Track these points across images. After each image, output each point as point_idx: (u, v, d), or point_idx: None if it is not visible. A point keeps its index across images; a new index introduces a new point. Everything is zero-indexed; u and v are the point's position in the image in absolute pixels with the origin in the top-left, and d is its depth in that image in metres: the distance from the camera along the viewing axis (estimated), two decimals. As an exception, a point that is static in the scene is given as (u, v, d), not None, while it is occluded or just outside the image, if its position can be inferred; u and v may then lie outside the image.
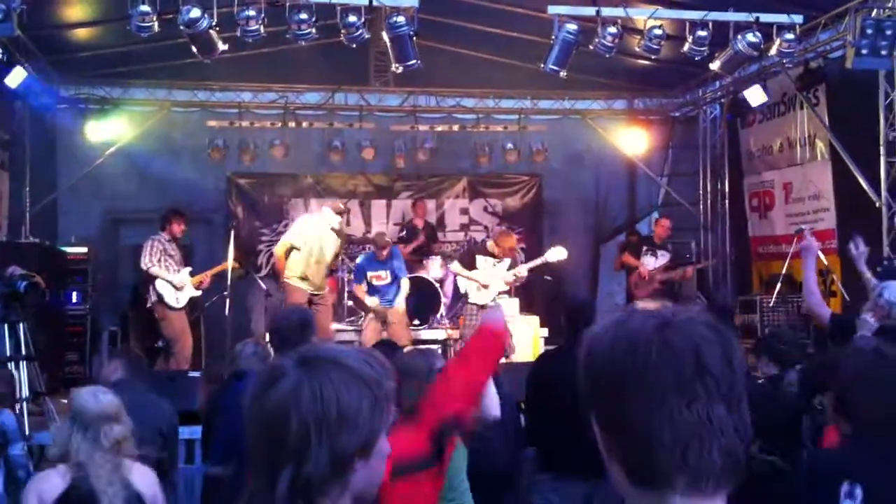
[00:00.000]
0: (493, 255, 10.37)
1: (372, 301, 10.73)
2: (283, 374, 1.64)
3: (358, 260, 11.46)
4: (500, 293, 10.34)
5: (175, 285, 10.06)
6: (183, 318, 10.19)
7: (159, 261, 10.06)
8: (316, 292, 10.15)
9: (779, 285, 11.28)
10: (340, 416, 1.60)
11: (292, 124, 13.59)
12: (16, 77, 10.22)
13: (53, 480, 3.83)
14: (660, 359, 1.32)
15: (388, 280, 10.77)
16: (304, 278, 10.04)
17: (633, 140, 14.41)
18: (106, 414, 3.92)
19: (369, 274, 10.80)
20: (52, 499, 3.76)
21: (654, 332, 1.34)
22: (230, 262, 10.35)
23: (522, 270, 10.44)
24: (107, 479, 3.81)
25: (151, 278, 10.04)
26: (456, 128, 14.31)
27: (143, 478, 3.96)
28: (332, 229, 10.13)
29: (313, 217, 10.27)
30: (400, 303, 10.81)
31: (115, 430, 3.90)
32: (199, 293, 10.49)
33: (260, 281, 12.22)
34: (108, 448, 3.86)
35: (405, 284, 10.91)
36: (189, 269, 10.35)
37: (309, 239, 10.05)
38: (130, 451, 3.98)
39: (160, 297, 10.03)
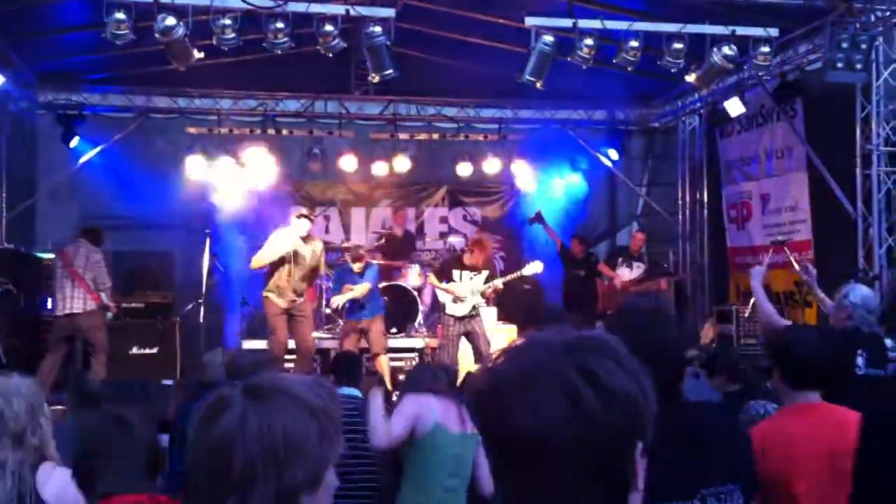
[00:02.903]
0: (469, 269, 10.37)
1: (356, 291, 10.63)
2: (229, 404, 1.57)
3: (336, 272, 11.31)
4: (475, 306, 10.34)
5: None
6: None
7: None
8: (293, 300, 10.00)
9: (753, 300, 11.32)
10: (288, 449, 1.54)
11: (272, 131, 13.58)
12: (-8, 82, 10.20)
13: None
14: (503, 419, 1.30)
15: (367, 295, 10.71)
16: (278, 291, 9.93)
17: (612, 150, 14.43)
18: None
19: (346, 287, 10.71)
20: None
21: (510, 389, 1.30)
22: (206, 269, 10.33)
23: (498, 283, 10.46)
24: None
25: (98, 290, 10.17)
26: (436, 136, 14.35)
27: None
28: (303, 238, 9.99)
29: (286, 230, 10.14)
30: (380, 312, 10.80)
31: None
32: None
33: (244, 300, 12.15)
34: None
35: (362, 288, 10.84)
36: None
37: (282, 251, 9.93)
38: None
39: (105, 308, 10.18)
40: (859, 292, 5.41)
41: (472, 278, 10.31)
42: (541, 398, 1.27)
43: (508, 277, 10.85)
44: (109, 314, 10.17)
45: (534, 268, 10.69)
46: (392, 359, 10.99)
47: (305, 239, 9.95)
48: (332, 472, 1.63)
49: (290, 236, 9.86)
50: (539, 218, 13.24)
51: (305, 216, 10.05)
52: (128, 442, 3.02)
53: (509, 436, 1.28)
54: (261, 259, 9.90)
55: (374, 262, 11.32)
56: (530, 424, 1.26)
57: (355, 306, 10.65)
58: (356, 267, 10.66)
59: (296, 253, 9.83)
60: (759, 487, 2.75)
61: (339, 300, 10.62)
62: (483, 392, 1.34)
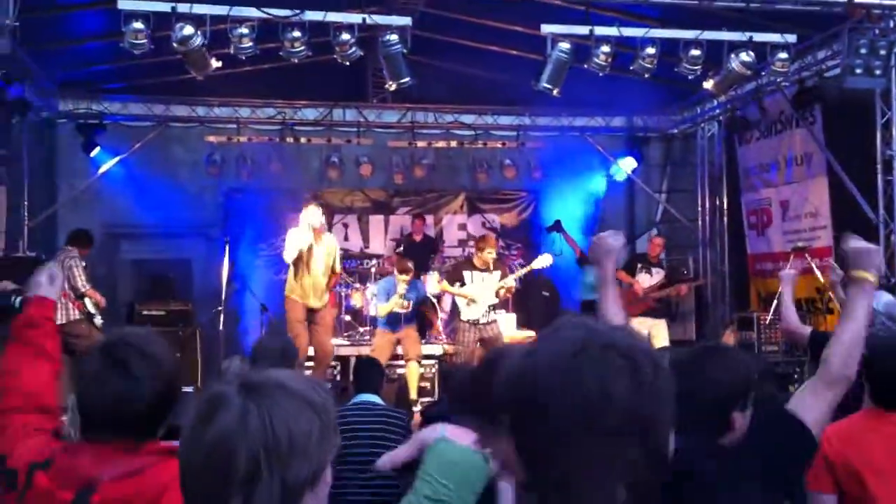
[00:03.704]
0: (479, 269, 10.36)
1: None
2: (227, 401, 1.53)
3: (382, 283, 11.25)
4: (490, 306, 10.31)
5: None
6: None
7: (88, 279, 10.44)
8: (313, 305, 9.98)
9: (775, 303, 11.23)
10: (291, 445, 1.52)
11: (290, 140, 13.64)
12: (14, 92, 10.27)
13: None
14: (565, 392, 1.29)
15: (409, 310, 10.72)
16: (301, 290, 9.93)
17: (631, 157, 14.40)
18: None
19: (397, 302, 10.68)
20: None
21: (564, 362, 1.30)
22: (225, 277, 10.37)
23: (510, 281, 10.43)
24: None
25: (81, 296, 10.37)
26: (454, 144, 14.34)
27: None
28: (316, 233, 9.93)
29: (298, 228, 10.11)
30: (413, 322, 10.85)
31: None
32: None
33: (255, 297, 12.15)
34: None
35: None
36: None
37: (300, 244, 9.89)
38: None
39: (90, 316, 10.31)
40: (882, 299, 5.38)
41: (483, 279, 10.30)
42: (603, 369, 1.28)
43: (519, 272, 10.87)
44: (98, 320, 10.27)
45: (543, 261, 10.69)
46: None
47: (318, 234, 9.92)
48: (329, 467, 1.62)
49: (304, 234, 9.82)
50: (558, 227, 13.22)
51: (312, 204, 10.05)
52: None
53: (567, 410, 1.28)
54: (288, 252, 9.88)
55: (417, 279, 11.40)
56: (595, 396, 1.27)
57: (393, 323, 10.70)
58: (402, 279, 10.56)
59: (310, 248, 9.80)
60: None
61: (384, 310, 10.61)
62: (530, 371, 1.33)
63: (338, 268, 10.28)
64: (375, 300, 11.18)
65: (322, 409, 1.59)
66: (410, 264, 11.01)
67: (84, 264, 10.53)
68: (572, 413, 1.28)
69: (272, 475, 1.50)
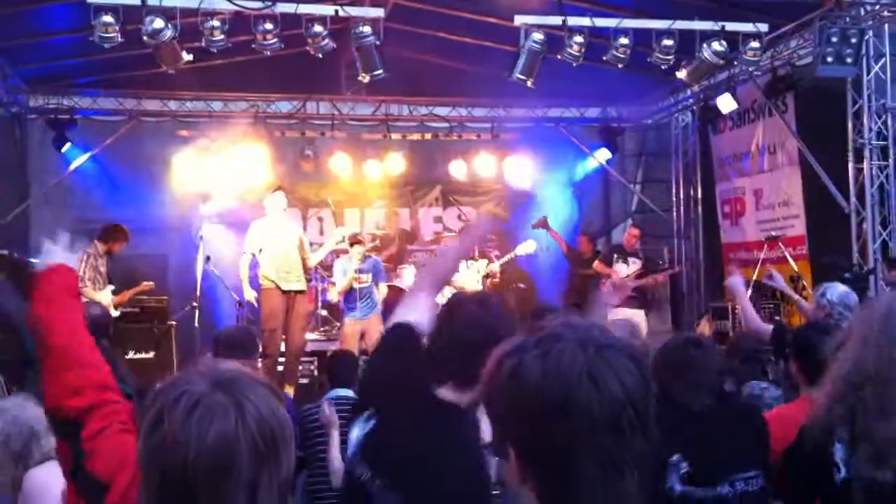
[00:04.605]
0: (466, 258, 10.31)
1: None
2: (214, 399, 1.49)
3: (338, 263, 11.21)
4: None
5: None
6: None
7: (90, 278, 10.03)
8: (287, 287, 9.83)
9: (749, 292, 11.29)
10: (284, 437, 1.52)
11: (264, 133, 13.54)
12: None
13: None
14: (591, 391, 1.34)
15: (368, 283, 10.59)
16: (276, 279, 9.85)
17: (605, 148, 14.41)
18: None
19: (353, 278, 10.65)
20: None
21: (582, 365, 1.35)
22: (199, 272, 10.29)
23: (495, 267, 10.38)
24: None
25: None
26: (429, 136, 14.32)
27: None
28: (285, 210, 9.87)
29: (262, 220, 10.04)
30: (377, 310, 10.71)
31: None
32: (118, 314, 10.41)
33: (233, 291, 12.07)
34: None
35: (383, 289, 10.83)
36: (111, 287, 10.32)
37: (265, 240, 9.86)
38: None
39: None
40: (836, 290, 5.51)
41: (468, 266, 10.26)
42: (617, 367, 1.36)
43: (504, 259, 10.81)
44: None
45: (526, 247, 10.65)
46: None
47: (284, 221, 9.82)
48: None
49: (270, 223, 9.75)
50: (544, 224, 13.12)
51: (279, 188, 9.98)
52: None
53: (596, 408, 1.33)
54: (243, 257, 9.84)
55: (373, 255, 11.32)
56: (618, 393, 1.34)
57: (352, 303, 10.52)
58: (356, 253, 10.52)
59: (278, 237, 9.71)
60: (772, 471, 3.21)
61: (343, 287, 10.54)
62: (552, 373, 1.36)
63: (308, 259, 10.17)
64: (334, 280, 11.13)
65: (282, 400, 1.59)
66: (360, 237, 10.97)
67: (92, 261, 10.21)
68: (600, 411, 1.33)
69: (271, 471, 1.50)
